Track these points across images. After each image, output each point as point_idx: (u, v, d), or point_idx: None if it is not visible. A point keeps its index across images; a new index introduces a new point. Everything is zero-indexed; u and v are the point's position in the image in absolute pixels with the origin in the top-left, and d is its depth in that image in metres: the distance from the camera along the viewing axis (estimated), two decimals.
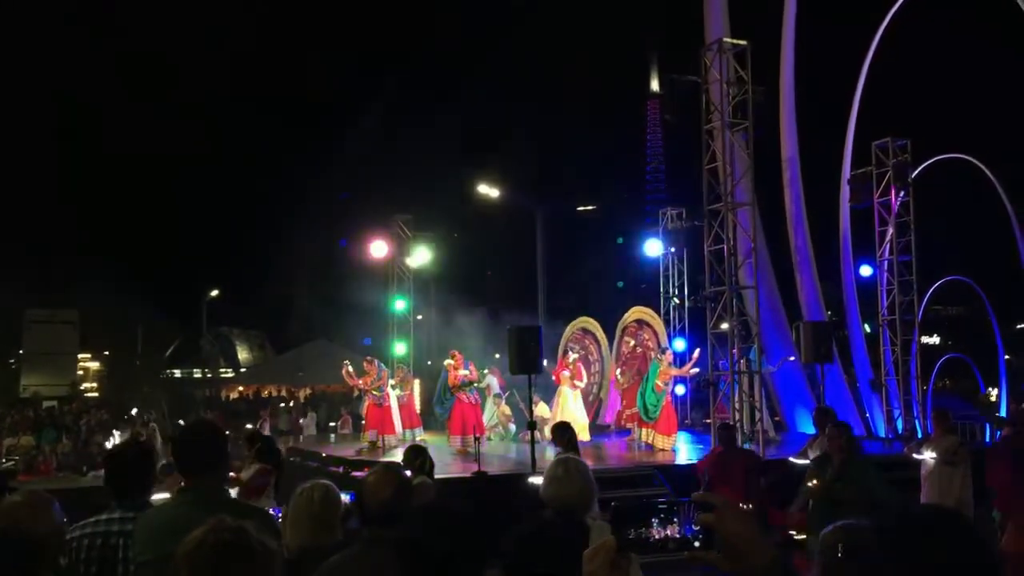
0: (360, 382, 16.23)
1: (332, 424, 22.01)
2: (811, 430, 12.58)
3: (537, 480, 10.34)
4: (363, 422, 16.91)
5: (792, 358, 16.29)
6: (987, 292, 21.08)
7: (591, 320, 18.81)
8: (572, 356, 16.17)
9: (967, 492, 9.67)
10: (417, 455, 7.37)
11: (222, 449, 3.48)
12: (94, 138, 65.22)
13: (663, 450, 13.85)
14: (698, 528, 1.55)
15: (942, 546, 1.46)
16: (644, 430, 14.33)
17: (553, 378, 16.19)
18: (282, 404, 26.61)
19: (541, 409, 15.58)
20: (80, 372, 47.69)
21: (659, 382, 13.90)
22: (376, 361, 16.49)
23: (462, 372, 15.32)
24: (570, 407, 15.08)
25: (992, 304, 21.00)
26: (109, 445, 14.91)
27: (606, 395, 17.86)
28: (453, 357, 15.61)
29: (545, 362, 15.19)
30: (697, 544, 1.55)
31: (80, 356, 47.66)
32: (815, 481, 7.45)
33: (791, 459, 11.31)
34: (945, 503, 9.46)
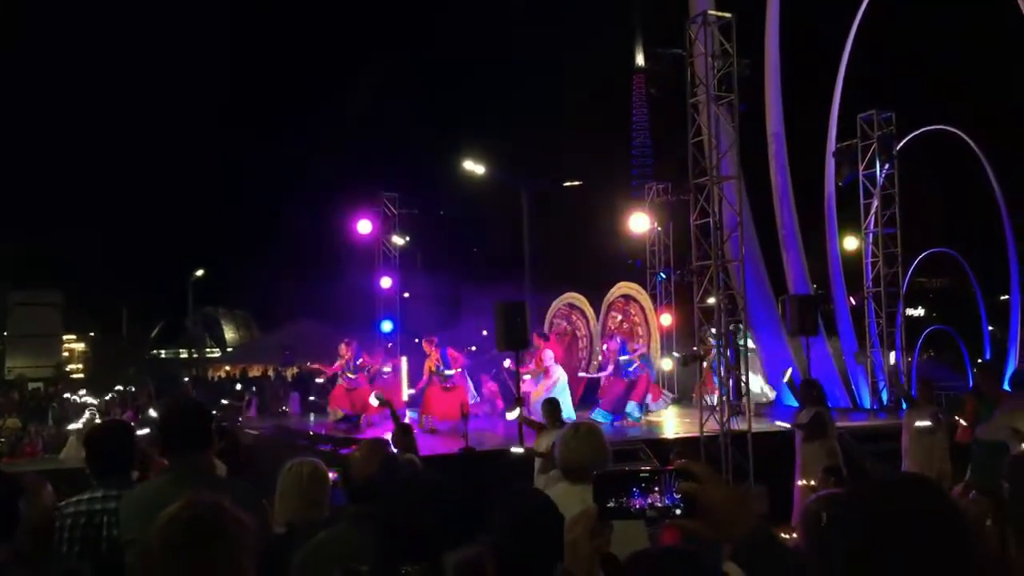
0: (336, 366, 16.27)
1: (312, 399, 22.02)
2: (794, 403, 12.66)
3: (519, 450, 10.38)
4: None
5: (788, 371, 16.32)
6: (971, 264, 21.20)
7: (578, 295, 18.81)
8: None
9: (946, 460, 9.83)
10: (405, 434, 7.40)
11: (207, 428, 3.47)
12: (81, 119, 64.62)
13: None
14: (680, 496, 1.55)
15: (910, 510, 1.45)
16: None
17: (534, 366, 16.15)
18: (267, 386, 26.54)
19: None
20: (65, 354, 47.52)
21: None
22: (354, 344, 16.42)
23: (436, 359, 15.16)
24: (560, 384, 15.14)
25: (976, 276, 21.13)
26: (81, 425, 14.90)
27: (595, 370, 17.90)
28: (427, 348, 15.35)
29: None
30: (679, 512, 1.55)
31: (65, 338, 47.48)
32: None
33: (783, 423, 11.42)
34: (925, 471, 9.62)
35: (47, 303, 40.84)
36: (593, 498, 1.59)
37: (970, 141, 19.74)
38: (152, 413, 15.19)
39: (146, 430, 8.36)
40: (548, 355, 15.06)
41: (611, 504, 1.57)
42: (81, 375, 41.84)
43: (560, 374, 14.86)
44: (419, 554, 2.45)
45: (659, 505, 1.56)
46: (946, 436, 9.83)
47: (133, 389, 21.58)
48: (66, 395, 20.34)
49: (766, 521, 1.58)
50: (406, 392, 17.71)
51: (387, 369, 17.58)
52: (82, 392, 22.64)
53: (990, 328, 21.18)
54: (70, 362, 47.25)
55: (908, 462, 9.93)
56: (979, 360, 19.74)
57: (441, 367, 14.94)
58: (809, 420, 9.48)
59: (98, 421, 11.51)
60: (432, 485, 2.87)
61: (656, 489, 1.56)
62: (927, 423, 9.77)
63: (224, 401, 21.73)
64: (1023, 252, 19.74)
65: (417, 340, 19.56)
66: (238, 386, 26.76)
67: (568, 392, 14.60)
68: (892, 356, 17.40)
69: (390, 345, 19.36)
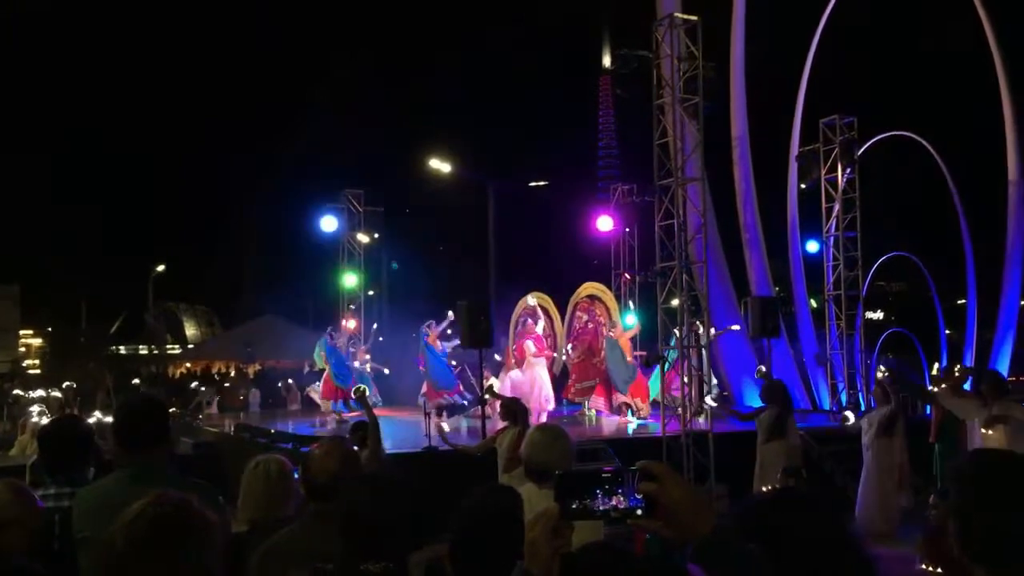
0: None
1: (281, 398, 21.87)
2: (757, 403, 12.77)
3: (447, 447, 10.36)
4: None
5: (736, 327, 16.51)
6: (929, 268, 21.54)
7: (543, 295, 18.81)
8: (541, 323, 16.58)
9: (904, 460, 10.04)
10: (357, 429, 7.35)
11: (164, 424, 3.43)
12: (38, 110, 63.48)
13: (642, 416, 15.08)
14: (641, 496, 1.55)
15: (790, 524, 1.67)
16: (631, 400, 15.38)
17: (515, 353, 16.31)
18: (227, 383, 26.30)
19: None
20: (22, 349, 46.70)
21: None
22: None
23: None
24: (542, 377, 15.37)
25: (934, 280, 21.47)
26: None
27: (559, 369, 17.93)
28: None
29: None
30: (640, 512, 1.55)
31: (22, 332, 46.65)
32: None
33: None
34: (883, 471, 9.83)
35: (4, 297, 40.13)
36: (555, 497, 1.59)
37: (929, 146, 20.06)
38: (98, 415, 15.01)
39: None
40: (529, 345, 15.38)
41: (574, 506, 1.57)
42: (38, 371, 41.08)
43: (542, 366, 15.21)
44: (381, 552, 2.44)
45: (621, 507, 1.56)
46: (905, 436, 10.06)
47: (74, 385, 21.21)
48: (16, 391, 19.92)
49: (724, 521, 1.59)
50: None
51: (387, 371, 17.98)
52: (37, 391, 22.28)
53: (947, 332, 21.52)
54: (27, 357, 46.39)
55: (868, 461, 10.12)
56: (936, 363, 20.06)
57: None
58: (771, 420, 9.57)
59: (46, 419, 11.32)
60: (393, 483, 2.86)
61: (619, 491, 1.56)
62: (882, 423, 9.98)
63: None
64: (980, 257, 20.10)
65: (381, 338, 19.57)
66: (195, 383, 26.48)
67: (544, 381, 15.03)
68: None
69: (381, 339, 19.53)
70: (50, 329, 51.62)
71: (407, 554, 2.40)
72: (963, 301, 20.84)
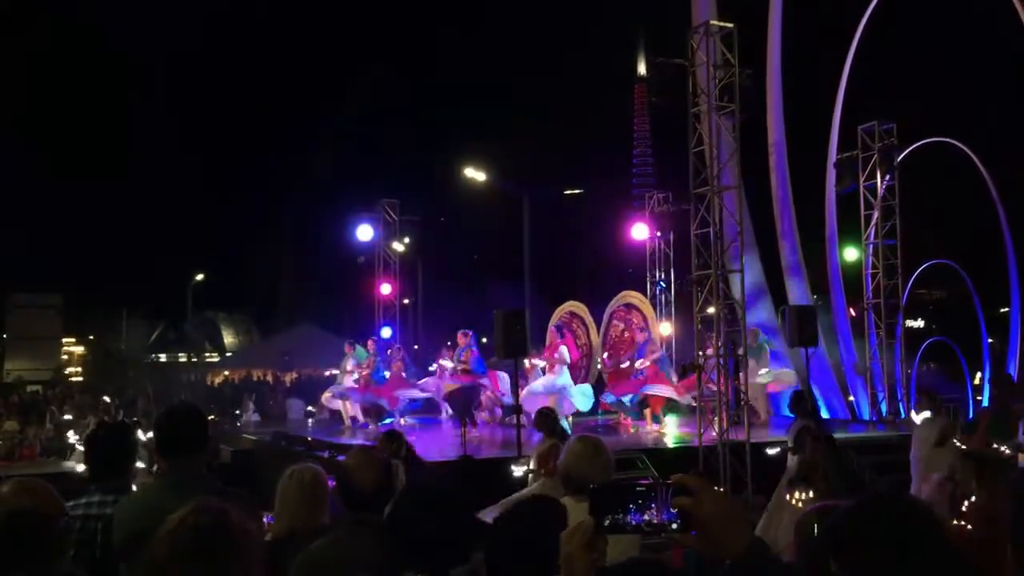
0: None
1: (311, 409, 22.02)
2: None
3: (520, 470, 10.35)
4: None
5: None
6: (971, 276, 21.18)
7: (579, 304, 18.79)
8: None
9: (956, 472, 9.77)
10: (392, 440, 7.38)
11: (203, 432, 3.47)
12: (82, 120, 64.70)
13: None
14: (676, 510, 1.55)
15: (897, 528, 1.56)
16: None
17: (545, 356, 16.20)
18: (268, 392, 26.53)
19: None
20: (64, 357, 47.51)
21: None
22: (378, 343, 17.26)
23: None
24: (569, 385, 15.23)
25: (976, 288, 21.11)
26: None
27: (594, 379, 17.86)
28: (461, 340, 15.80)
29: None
30: (675, 526, 1.55)
31: (64, 341, 47.47)
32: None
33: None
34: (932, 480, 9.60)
35: (47, 306, 40.85)
36: (589, 511, 1.59)
37: (971, 153, 19.75)
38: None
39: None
40: (564, 350, 15.20)
41: (608, 520, 1.57)
42: (80, 378, 41.77)
43: (566, 375, 15.03)
44: (423, 562, 2.44)
45: (655, 521, 1.55)
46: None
47: (108, 399, 21.54)
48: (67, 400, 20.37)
49: (760, 538, 1.58)
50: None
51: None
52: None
53: (989, 340, 21.14)
54: (69, 365, 47.21)
55: (917, 472, 9.91)
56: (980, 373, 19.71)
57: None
58: (795, 436, 9.47)
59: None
60: (432, 490, 2.87)
61: (653, 505, 1.56)
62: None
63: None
64: (1023, 264, 19.73)
65: (416, 346, 19.63)
66: (235, 391, 26.72)
67: (573, 390, 14.82)
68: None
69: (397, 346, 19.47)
70: (92, 338, 52.55)
71: (450, 566, 2.40)
72: (1006, 309, 20.45)
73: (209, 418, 3.72)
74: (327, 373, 22.03)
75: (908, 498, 1.83)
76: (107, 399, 17.76)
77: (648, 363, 15.16)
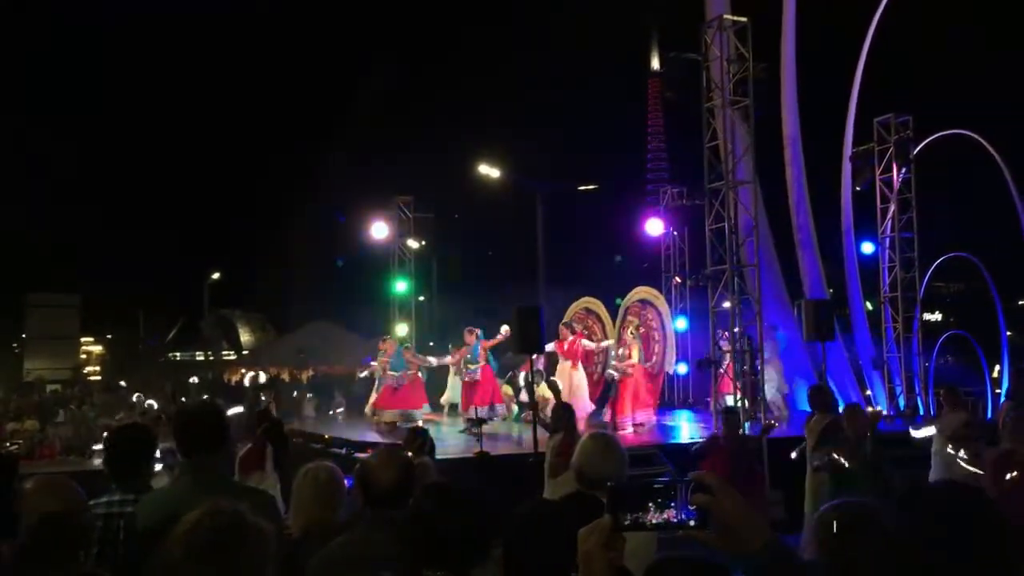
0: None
1: (336, 407, 22.06)
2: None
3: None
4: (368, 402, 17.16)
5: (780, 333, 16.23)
6: (989, 268, 21.03)
7: (594, 300, 18.75)
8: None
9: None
10: (416, 437, 7.39)
11: (222, 430, 3.48)
12: (98, 121, 65.09)
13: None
14: (694, 508, 1.55)
15: (962, 520, 1.54)
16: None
17: (564, 353, 16.04)
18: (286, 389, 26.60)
19: (542, 389, 15.54)
20: (83, 356, 47.85)
21: None
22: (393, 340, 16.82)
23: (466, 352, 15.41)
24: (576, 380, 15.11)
25: (994, 280, 20.96)
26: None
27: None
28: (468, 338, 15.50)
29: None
30: (692, 523, 1.55)
31: (82, 340, 47.79)
32: (835, 455, 7.42)
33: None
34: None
35: (65, 306, 41.12)
36: (606, 509, 1.59)
37: (988, 145, 19.60)
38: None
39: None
40: (584, 343, 15.09)
41: (627, 518, 1.57)
42: (98, 377, 42.07)
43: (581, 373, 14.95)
44: (444, 561, 2.45)
45: (674, 520, 1.56)
46: (982, 443, 9.74)
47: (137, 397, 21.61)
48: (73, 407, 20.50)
49: (777, 535, 1.58)
50: None
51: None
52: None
53: (1008, 333, 20.99)
54: (87, 364, 47.57)
55: (936, 469, 9.85)
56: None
57: (468, 358, 15.12)
58: (822, 430, 9.39)
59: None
60: (451, 487, 2.87)
61: (671, 503, 1.56)
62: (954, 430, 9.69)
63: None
64: None
65: (432, 344, 19.63)
66: (253, 386, 26.81)
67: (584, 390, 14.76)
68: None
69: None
70: (109, 337, 52.89)
71: (471, 565, 2.41)
72: None
73: (225, 415, 3.72)
74: (361, 374, 21.85)
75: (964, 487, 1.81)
76: (138, 396, 17.85)
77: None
